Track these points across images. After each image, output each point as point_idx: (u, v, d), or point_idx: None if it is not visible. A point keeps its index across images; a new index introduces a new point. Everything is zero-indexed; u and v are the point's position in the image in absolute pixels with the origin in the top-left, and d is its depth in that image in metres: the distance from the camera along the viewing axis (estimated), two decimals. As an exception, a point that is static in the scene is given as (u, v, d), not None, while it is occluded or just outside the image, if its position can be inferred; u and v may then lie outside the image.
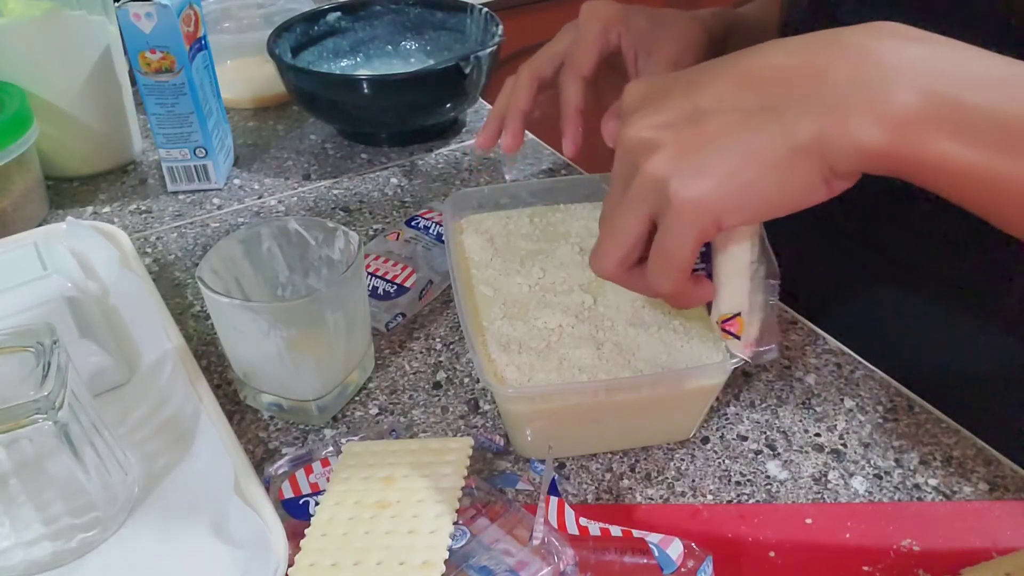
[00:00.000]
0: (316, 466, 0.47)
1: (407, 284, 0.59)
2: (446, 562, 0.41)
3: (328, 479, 0.46)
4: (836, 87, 0.33)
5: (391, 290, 0.59)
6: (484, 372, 0.45)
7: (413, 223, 0.66)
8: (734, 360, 0.44)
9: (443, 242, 0.62)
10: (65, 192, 0.78)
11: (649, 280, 0.40)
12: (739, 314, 0.42)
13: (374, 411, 0.53)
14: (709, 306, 0.45)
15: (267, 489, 0.46)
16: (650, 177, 0.36)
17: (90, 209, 0.75)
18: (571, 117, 0.56)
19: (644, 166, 0.36)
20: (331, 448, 0.48)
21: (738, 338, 0.42)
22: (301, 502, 0.46)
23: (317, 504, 0.45)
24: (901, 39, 0.33)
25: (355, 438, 0.49)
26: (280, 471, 0.47)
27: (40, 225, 0.70)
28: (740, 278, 0.41)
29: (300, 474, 0.47)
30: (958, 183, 0.33)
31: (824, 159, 0.33)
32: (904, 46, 0.33)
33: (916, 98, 0.32)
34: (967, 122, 0.32)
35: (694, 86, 0.36)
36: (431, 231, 0.65)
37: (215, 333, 0.53)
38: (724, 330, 0.43)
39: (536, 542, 0.42)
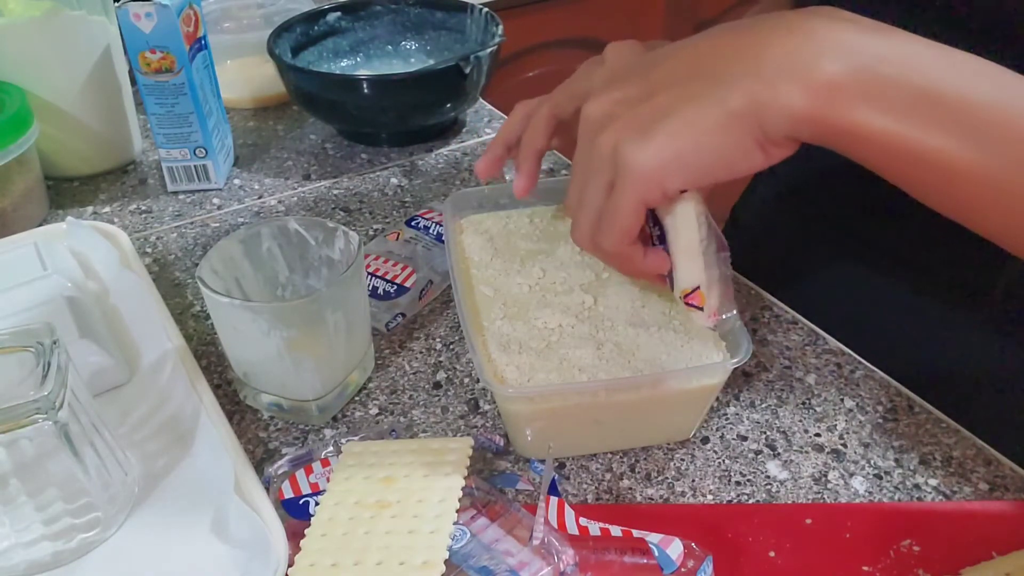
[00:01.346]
0: (316, 466, 0.47)
1: (407, 284, 0.59)
2: (446, 562, 0.41)
3: (328, 479, 0.46)
4: (771, 59, 0.35)
5: (391, 290, 0.59)
6: (484, 372, 0.45)
7: (413, 223, 0.66)
8: (734, 360, 0.45)
9: (443, 242, 0.62)
10: (65, 192, 0.78)
11: (597, 238, 0.42)
12: (698, 287, 0.44)
13: (374, 411, 0.53)
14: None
15: (267, 489, 0.46)
16: (604, 147, 0.39)
17: (90, 209, 0.75)
18: (528, 156, 0.51)
19: (599, 138, 0.39)
20: (331, 448, 0.48)
21: (701, 309, 0.45)
22: (301, 502, 0.46)
23: (317, 504, 0.45)
24: (836, 20, 0.36)
25: (355, 438, 0.49)
26: (280, 471, 0.47)
27: (40, 225, 0.70)
28: (693, 254, 0.44)
29: (300, 474, 0.47)
30: (878, 151, 0.36)
31: (757, 124, 0.36)
32: (837, 25, 0.36)
33: (841, 68, 0.34)
34: (886, 92, 0.34)
35: (651, 66, 0.39)
36: (431, 231, 0.65)
37: (215, 333, 0.53)
38: (688, 303, 0.45)
39: (536, 542, 0.42)
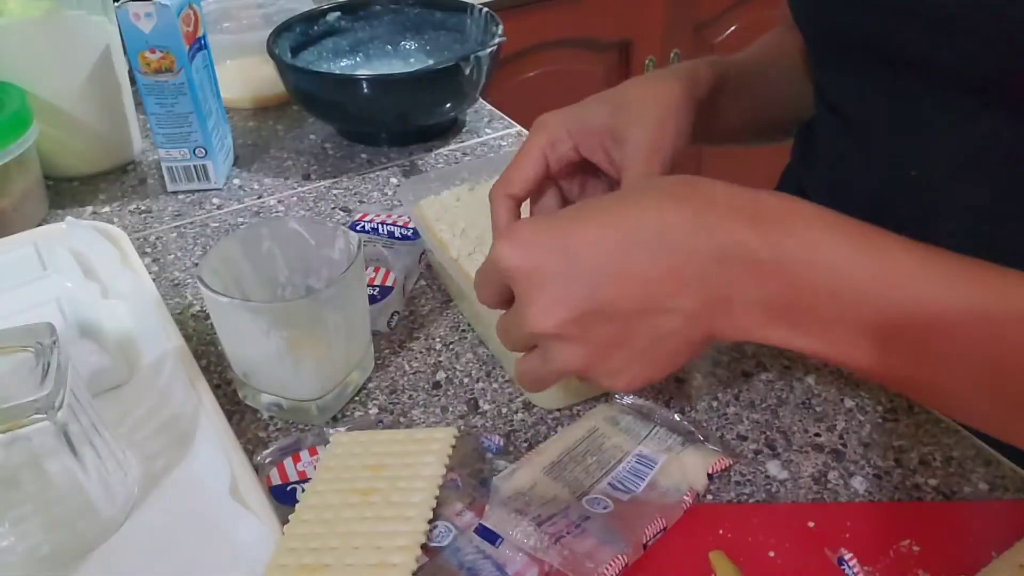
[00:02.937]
0: (304, 455, 0.48)
1: (389, 283, 0.60)
2: (431, 556, 0.42)
3: (315, 467, 0.47)
4: (720, 298, 0.38)
5: (376, 293, 0.59)
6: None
7: (358, 228, 0.66)
8: None
9: (397, 238, 0.65)
10: (65, 192, 0.78)
11: (521, 377, 0.45)
12: None
13: (374, 411, 0.53)
14: None
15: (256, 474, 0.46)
16: (566, 369, 0.41)
17: (90, 209, 0.75)
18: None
19: (559, 361, 0.41)
20: (319, 437, 0.49)
21: None
22: (288, 489, 0.46)
23: (303, 491, 0.45)
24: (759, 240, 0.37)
25: (342, 428, 0.50)
26: (268, 459, 0.48)
27: (40, 225, 0.70)
28: None
29: (288, 462, 0.48)
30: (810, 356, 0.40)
31: (710, 343, 0.40)
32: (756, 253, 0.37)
33: (761, 312, 0.38)
34: (793, 322, 0.38)
35: (597, 279, 0.38)
36: (380, 231, 0.66)
37: (215, 333, 0.53)
38: None
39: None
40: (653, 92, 0.51)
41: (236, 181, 0.79)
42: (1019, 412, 0.37)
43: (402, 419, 0.52)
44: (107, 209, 0.75)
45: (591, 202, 0.41)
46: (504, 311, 0.44)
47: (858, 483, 0.47)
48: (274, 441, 0.50)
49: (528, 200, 0.52)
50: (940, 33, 0.46)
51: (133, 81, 0.76)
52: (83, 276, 0.58)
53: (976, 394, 0.38)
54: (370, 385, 0.55)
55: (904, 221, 0.41)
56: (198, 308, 0.62)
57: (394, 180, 0.78)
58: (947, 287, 0.36)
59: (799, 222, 0.37)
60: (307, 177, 0.79)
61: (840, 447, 0.49)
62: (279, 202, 0.75)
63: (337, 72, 0.86)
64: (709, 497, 0.47)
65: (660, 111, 0.50)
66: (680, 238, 0.37)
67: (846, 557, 0.42)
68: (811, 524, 0.44)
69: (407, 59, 0.90)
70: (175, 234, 0.71)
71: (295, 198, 0.76)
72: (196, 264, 0.67)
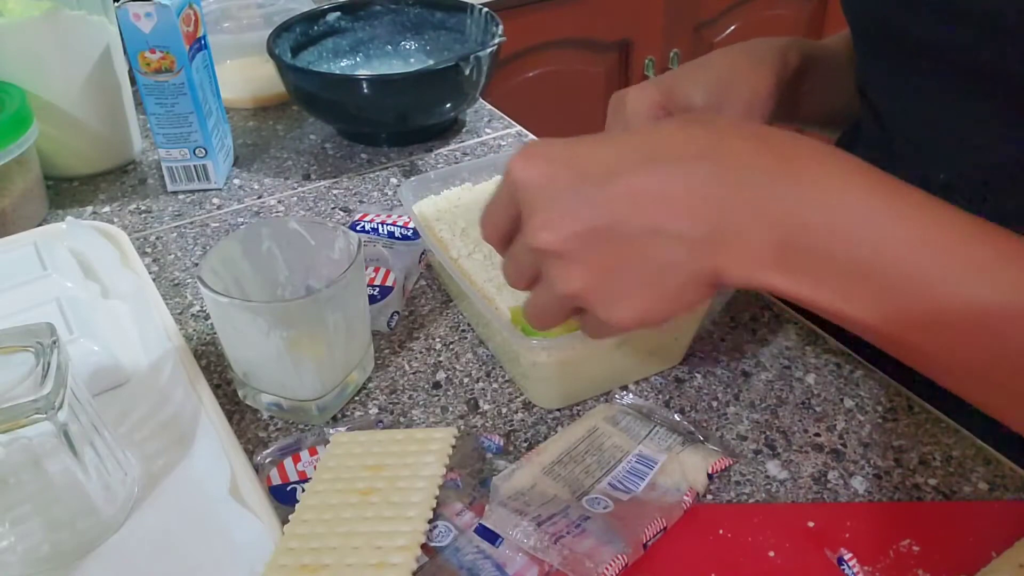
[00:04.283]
0: (304, 454, 0.48)
1: (389, 283, 0.60)
2: (431, 556, 0.42)
3: (315, 467, 0.47)
4: (730, 229, 0.36)
5: (376, 293, 0.59)
6: (510, 325, 0.49)
7: (358, 228, 0.66)
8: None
9: (397, 238, 0.65)
10: (65, 192, 0.78)
11: (528, 312, 0.43)
12: None
13: (374, 411, 0.53)
14: None
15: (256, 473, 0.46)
16: (566, 292, 0.38)
17: (90, 209, 0.75)
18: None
19: (559, 283, 0.38)
20: (319, 437, 0.49)
21: None
22: (288, 489, 0.46)
23: (303, 491, 0.45)
24: (783, 174, 0.36)
25: (342, 428, 0.50)
26: (268, 459, 0.48)
27: (40, 225, 0.70)
28: None
29: (288, 462, 0.48)
30: (810, 307, 0.37)
31: (714, 283, 0.38)
32: (781, 187, 0.36)
33: (763, 240, 0.36)
34: (802, 265, 0.36)
35: (608, 194, 0.37)
36: (380, 231, 0.66)
37: (215, 333, 0.53)
38: None
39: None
40: (746, 77, 0.52)
41: (236, 181, 0.79)
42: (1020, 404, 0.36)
43: (402, 419, 0.52)
44: (107, 209, 0.75)
45: (613, 130, 0.41)
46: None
47: (858, 483, 0.47)
48: (274, 441, 0.50)
49: None
50: (996, 39, 0.45)
51: (133, 81, 0.76)
52: (83, 276, 0.59)
53: (980, 379, 0.37)
54: (370, 385, 0.55)
55: None
56: (198, 308, 0.62)
57: (394, 180, 0.78)
58: (977, 278, 0.34)
59: (824, 163, 0.36)
60: (307, 177, 0.79)
61: (840, 447, 0.49)
62: (279, 202, 0.75)
63: (337, 72, 0.86)
64: (709, 497, 0.47)
65: (749, 97, 0.51)
66: (694, 162, 0.36)
67: (846, 557, 0.42)
68: (811, 524, 0.44)
69: (407, 59, 0.90)
70: (175, 234, 0.71)
71: (295, 198, 0.76)
72: (196, 264, 0.67)
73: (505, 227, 0.41)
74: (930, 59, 0.50)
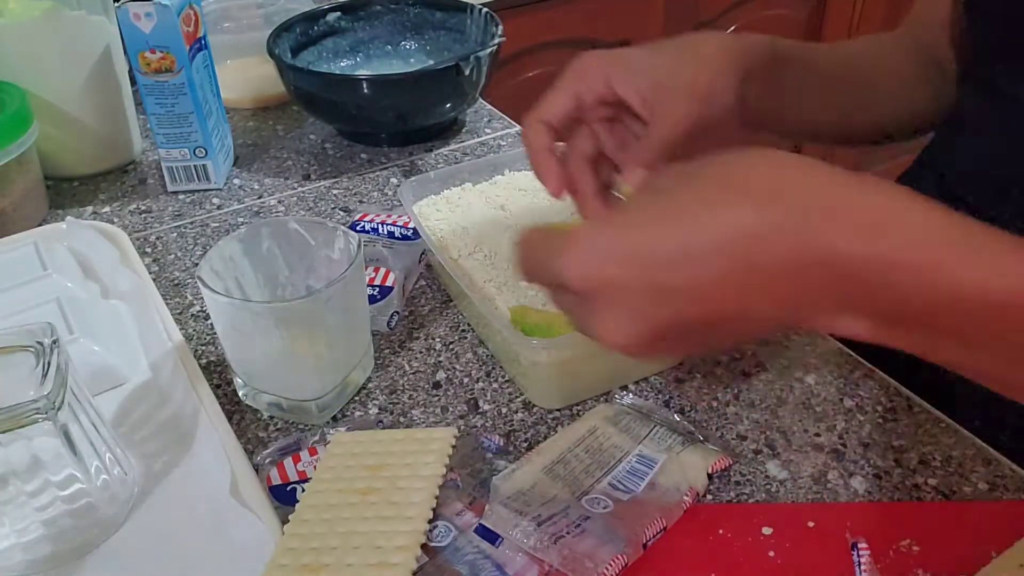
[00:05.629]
0: (304, 454, 0.48)
1: (389, 283, 0.60)
2: (431, 556, 0.42)
3: (315, 467, 0.47)
4: (807, 303, 0.34)
5: (376, 293, 0.59)
6: (511, 329, 0.49)
7: (358, 228, 0.66)
8: None
9: (397, 238, 0.65)
10: (65, 192, 0.78)
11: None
12: None
13: (374, 411, 0.53)
14: None
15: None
16: (635, 355, 0.37)
17: (90, 209, 0.75)
18: (539, 158, 0.50)
19: (628, 353, 0.36)
20: (319, 437, 0.49)
21: None
22: (288, 489, 0.46)
23: (303, 491, 0.45)
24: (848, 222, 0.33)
25: (342, 428, 0.50)
26: (268, 459, 0.48)
27: (40, 225, 0.70)
28: None
29: (288, 462, 0.48)
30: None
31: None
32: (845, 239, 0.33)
33: (846, 312, 0.34)
34: (890, 320, 0.34)
35: (680, 290, 0.34)
36: (380, 231, 0.66)
37: (215, 333, 0.53)
38: None
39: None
40: (695, 40, 0.50)
41: (236, 181, 0.79)
42: None
43: (402, 419, 0.52)
44: (107, 209, 0.75)
45: (648, 201, 0.37)
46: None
47: (858, 483, 0.47)
48: (274, 441, 0.50)
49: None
50: None
51: (133, 81, 0.76)
52: (83, 276, 0.59)
53: None
54: (370, 385, 0.55)
55: None
56: (198, 308, 0.62)
57: (394, 180, 0.78)
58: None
59: (899, 221, 0.33)
60: (307, 177, 0.79)
61: (840, 447, 0.49)
62: (279, 202, 0.75)
63: (337, 72, 0.86)
64: (709, 497, 0.47)
65: (700, 55, 0.49)
66: (756, 243, 0.33)
67: (860, 545, 0.42)
68: (811, 524, 0.44)
69: (407, 59, 0.90)
70: (175, 234, 0.71)
71: (295, 198, 0.76)
72: (196, 264, 0.67)
73: (544, 286, 0.39)
74: None
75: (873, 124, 0.64)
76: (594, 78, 0.49)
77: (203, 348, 0.58)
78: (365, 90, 0.76)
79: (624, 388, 0.54)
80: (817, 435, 0.50)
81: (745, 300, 0.34)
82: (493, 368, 0.56)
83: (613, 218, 0.37)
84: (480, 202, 0.63)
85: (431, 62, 0.88)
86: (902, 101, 0.63)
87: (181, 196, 0.76)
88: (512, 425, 0.51)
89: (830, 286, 0.33)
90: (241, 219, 0.73)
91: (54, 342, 0.42)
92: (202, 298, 0.62)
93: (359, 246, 0.50)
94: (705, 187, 0.35)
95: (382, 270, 0.60)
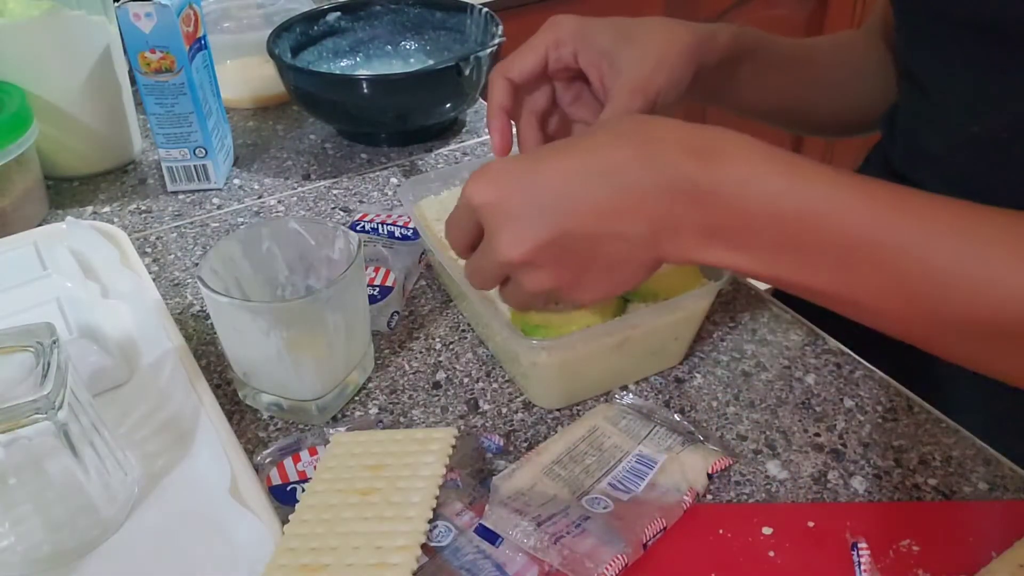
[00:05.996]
0: (304, 454, 0.48)
1: (389, 283, 0.60)
2: (431, 556, 0.42)
3: (315, 467, 0.47)
4: (666, 225, 0.41)
5: (376, 293, 0.59)
6: (511, 328, 0.50)
7: (358, 228, 0.66)
8: (717, 283, 0.51)
9: (397, 238, 0.65)
10: (65, 192, 0.78)
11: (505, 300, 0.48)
12: None
13: (374, 411, 0.53)
14: None
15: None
16: (536, 291, 0.44)
17: (90, 209, 0.75)
18: (493, 114, 0.56)
19: (529, 285, 0.43)
20: (319, 437, 0.49)
21: None
22: (288, 489, 0.46)
23: (303, 491, 0.45)
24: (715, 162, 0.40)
25: (342, 428, 0.50)
26: (268, 459, 0.48)
27: (40, 225, 0.70)
28: None
29: (288, 462, 0.48)
30: (751, 276, 0.43)
31: (659, 265, 0.44)
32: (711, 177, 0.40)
33: (697, 227, 0.41)
34: (733, 244, 0.41)
35: (560, 209, 0.41)
36: (380, 231, 0.66)
37: (215, 333, 0.53)
38: None
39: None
40: (662, 34, 0.54)
41: (236, 181, 0.79)
42: (952, 336, 0.39)
43: (402, 419, 0.52)
44: (107, 209, 0.75)
45: (556, 143, 0.45)
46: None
47: (858, 483, 0.47)
48: (274, 441, 0.50)
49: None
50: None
51: (133, 81, 0.76)
52: (83, 276, 0.59)
53: (906, 321, 0.40)
54: (370, 385, 0.55)
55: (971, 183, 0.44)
56: (198, 308, 0.62)
57: (394, 180, 0.78)
58: (871, 218, 0.38)
59: (736, 154, 0.40)
60: (307, 177, 0.79)
61: (840, 447, 0.49)
62: (279, 202, 0.75)
63: (337, 72, 0.86)
64: (709, 497, 0.47)
65: (660, 53, 0.53)
66: (630, 172, 0.41)
67: (860, 545, 0.42)
68: (811, 524, 0.44)
69: (407, 59, 0.90)
70: (175, 234, 0.71)
71: (295, 198, 0.76)
72: (196, 264, 0.67)
73: (469, 240, 0.46)
74: (970, 31, 0.52)
75: (829, 112, 0.70)
76: (565, 49, 0.54)
77: (203, 348, 0.58)
78: (365, 90, 0.76)
79: (624, 388, 0.54)
80: (817, 435, 0.50)
81: (619, 218, 0.41)
82: (493, 368, 0.56)
83: (519, 155, 0.44)
84: None
85: (431, 62, 0.88)
86: (857, 92, 0.69)
87: (181, 196, 0.76)
88: (512, 425, 0.51)
89: (687, 209, 0.40)
90: (241, 219, 0.73)
91: (54, 342, 0.42)
92: (202, 298, 0.62)
93: (359, 246, 0.50)
94: (598, 133, 0.43)
95: (382, 270, 0.60)
